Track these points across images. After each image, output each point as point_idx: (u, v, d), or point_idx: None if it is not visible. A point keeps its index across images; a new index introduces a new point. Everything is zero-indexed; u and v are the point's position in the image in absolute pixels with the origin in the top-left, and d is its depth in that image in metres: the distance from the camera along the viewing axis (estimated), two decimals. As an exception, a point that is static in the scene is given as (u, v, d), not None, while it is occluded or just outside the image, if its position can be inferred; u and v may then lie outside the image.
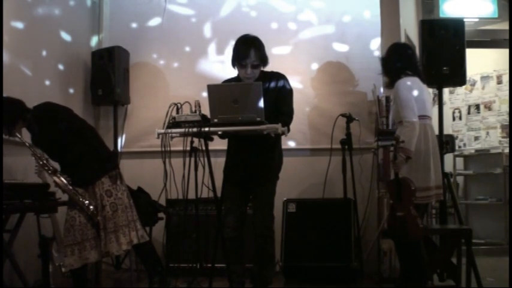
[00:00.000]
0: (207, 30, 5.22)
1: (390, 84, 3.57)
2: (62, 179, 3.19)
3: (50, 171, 3.20)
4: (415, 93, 3.41)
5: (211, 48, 5.18)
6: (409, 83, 3.42)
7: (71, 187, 3.19)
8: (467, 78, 4.60)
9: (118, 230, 3.23)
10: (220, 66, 5.01)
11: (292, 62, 4.97)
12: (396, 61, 3.54)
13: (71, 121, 3.35)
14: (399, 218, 3.25)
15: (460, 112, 6.88)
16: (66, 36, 4.69)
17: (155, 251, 3.57)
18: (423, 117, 3.41)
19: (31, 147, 3.23)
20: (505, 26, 5.53)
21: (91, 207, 3.19)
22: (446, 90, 6.36)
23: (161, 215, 4.42)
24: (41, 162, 3.22)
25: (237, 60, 3.40)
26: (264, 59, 3.42)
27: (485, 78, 6.66)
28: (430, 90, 4.93)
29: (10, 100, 3.24)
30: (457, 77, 4.21)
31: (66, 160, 3.29)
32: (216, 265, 3.41)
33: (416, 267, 3.34)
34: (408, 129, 3.31)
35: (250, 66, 3.36)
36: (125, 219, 3.26)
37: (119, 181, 3.33)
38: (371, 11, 4.99)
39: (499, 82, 6.55)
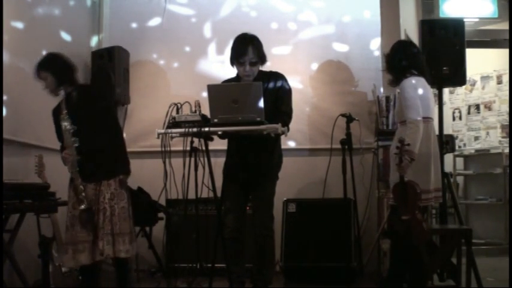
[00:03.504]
0: (207, 30, 5.22)
1: (394, 81, 3.50)
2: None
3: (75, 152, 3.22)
4: (421, 92, 3.32)
5: (211, 48, 5.19)
6: (414, 81, 3.34)
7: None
8: (467, 78, 4.59)
9: (116, 234, 3.19)
10: (220, 66, 5.01)
11: (292, 62, 4.98)
12: (401, 59, 3.44)
13: (112, 110, 3.40)
14: (404, 222, 3.16)
15: (460, 112, 6.88)
16: (66, 36, 4.69)
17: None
18: (427, 118, 3.34)
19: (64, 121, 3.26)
20: (505, 26, 5.52)
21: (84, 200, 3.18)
22: (446, 90, 6.35)
23: (161, 215, 4.43)
24: (72, 139, 3.22)
25: (235, 58, 3.39)
26: (262, 57, 3.41)
27: (485, 78, 6.66)
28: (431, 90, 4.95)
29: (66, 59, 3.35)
30: (457, 77, 4.20)
31: (92, 144, 3.26)
32: (216, 265, 3.41)
33: (417, 267, 3.33)
34: (412, 130, 3.22)
35: (249, 64, 3.35)
36: (124, 227, 3.23)
37: (124, 189, 3.30)
38: (371, 11, 4.99)
39: (499, 82, 6.54)
